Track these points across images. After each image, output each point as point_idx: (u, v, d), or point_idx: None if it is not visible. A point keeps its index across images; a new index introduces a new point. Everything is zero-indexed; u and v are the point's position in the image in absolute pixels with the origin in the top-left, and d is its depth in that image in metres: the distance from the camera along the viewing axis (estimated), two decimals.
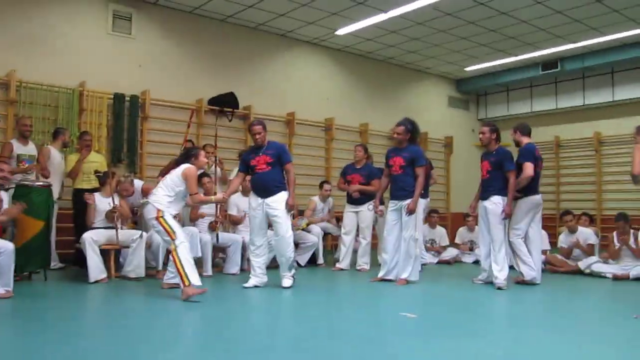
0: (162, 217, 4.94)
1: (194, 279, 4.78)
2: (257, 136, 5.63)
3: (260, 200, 5.61)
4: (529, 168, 5.97)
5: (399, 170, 6.13)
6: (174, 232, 4.90)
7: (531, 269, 6.06)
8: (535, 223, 6.25)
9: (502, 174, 5.97)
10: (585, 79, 11.60)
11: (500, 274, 5.80)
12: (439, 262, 8.39)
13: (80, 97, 7.60)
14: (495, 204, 5.94)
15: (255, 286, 5.65)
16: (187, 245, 4.95)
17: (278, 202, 5.57)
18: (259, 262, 5.74)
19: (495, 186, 5.99)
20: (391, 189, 6.30)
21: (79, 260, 6.59)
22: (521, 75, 11.90)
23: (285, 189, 5.66)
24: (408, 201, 5.99)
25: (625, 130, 11.10)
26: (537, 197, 6.21)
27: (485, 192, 6.10)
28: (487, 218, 6.02)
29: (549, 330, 4.03)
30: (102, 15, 8.12)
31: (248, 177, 6.06)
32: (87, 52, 7.92)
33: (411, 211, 5.96)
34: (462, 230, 9.18)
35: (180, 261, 4.78)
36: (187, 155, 5.31)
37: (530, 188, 6.10)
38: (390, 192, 6.32)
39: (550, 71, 11.38)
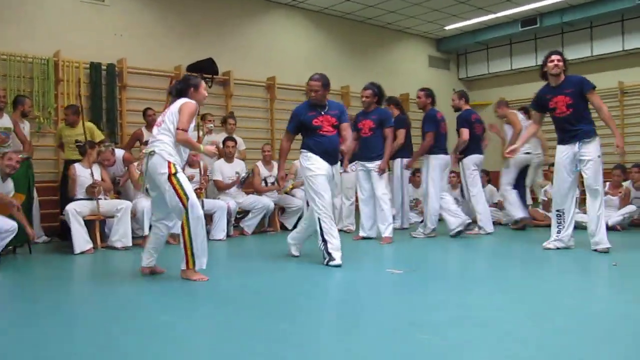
0: (175, 174, 3.98)
1: (201, 262, 4.06)
2: (314, 94, 4.94)
3: (328, 167, 4.93)
4: (465, 133, 6.97)
5: (368, 132, 6.35)
6: (186, 197, 3.97)
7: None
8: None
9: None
10: (564, 35, 11.60)
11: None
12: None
13: (55, 67, 7.44)
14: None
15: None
16: (201, 216, 4.04)
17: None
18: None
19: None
20: (361, 151, 6.44)
21: (63, 232, 6.56)
22: (501, 33, 11.86)
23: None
24: (378, 162, 6.24)
25: (604, 84, 11.19)
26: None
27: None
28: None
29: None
30: None
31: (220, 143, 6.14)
32: (61, 20, 7.73)
33: (382, 170, 6.26)
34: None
35: (190, 236, 3.97)
36: (186, 85, 4.26)
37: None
38: (360, 154, 6.47)
39: (529, 27, 11.35)
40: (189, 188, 4.03)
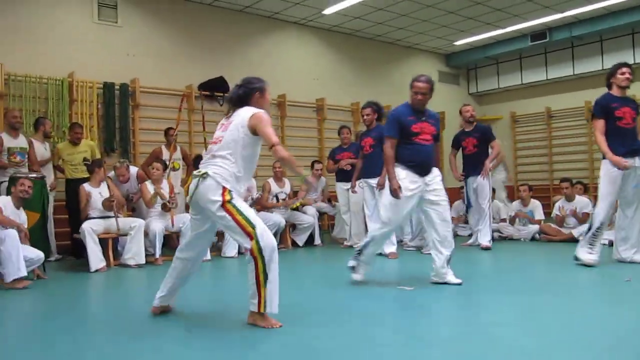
0: (230, 201, 3.22)
1: (274, 305, 3.22)
2: (420, 97, 4.53)
3: (418, 180, 4.42)
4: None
5: (370, 149, 6.48)
6: (252, 225, 3.20)
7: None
8: None
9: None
10: (574, 49, 11.61)
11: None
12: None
13: (69, 88, 7.58)
14: None
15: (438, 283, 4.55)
16: (275, 246, 3.24)
17: (439, 182, 4.51)
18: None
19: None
20: (364, 168, 6.61)
21: (76, 250, 6.63)
22: (510, 47, 11.91)
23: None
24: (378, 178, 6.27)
25: None
26: None
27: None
28: None
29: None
30: (87, 4, 8.06)
31: None
32: (74, 42, 7.88)
33: (381, 186, 6.17)
34: (457, 203, 9.22)
35: (264, 272, 3.17)
36: (249, 90, 3.48)
37: None
38: (364, 171, 6.64)
39: (539, 42, 11.38)
40: (253, 214, 3.28)
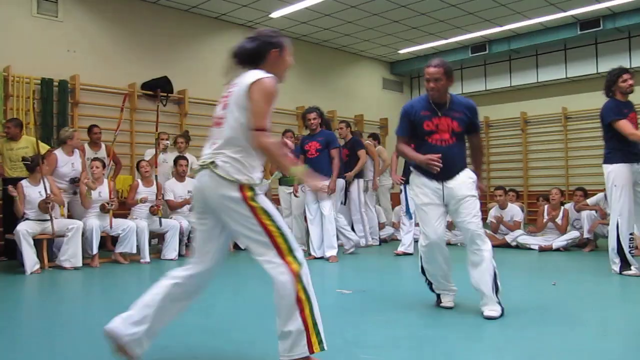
0: (254, 198, 2.42)
1: (322, 338, 2.40)
2: (432, 84, 3.73)
3: (436, 183, 3.69)
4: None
5: (315, 153, 6.58)
6: (284, 237, 2.42)
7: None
8: None
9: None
10: (511, 61, 12.08)
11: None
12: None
13: (4, 82, 7.30)
14: None
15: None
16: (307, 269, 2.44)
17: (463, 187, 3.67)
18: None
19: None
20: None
21: (8, 251, 6.40)
22: (452, 58, 12.23)
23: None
24: (326, 182, 6.27)
25: (549, 110, 11.69)
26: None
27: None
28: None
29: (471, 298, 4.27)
30: None
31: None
32: (11, 35, 7.60)
33: (332, 190, 6.53)
34: (398, 209, 9.42)
35: (310, 307, 2.38)
36: (265, 46, 2.68)
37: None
38: None
39: (479, 54, 11.78)
40: (286, 227, 2.47)
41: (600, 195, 7.33)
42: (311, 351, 2.37)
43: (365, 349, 2.92)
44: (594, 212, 7.21)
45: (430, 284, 3.92)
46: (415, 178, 3.78)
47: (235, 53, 2.69)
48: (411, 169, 3.86)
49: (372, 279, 5.46)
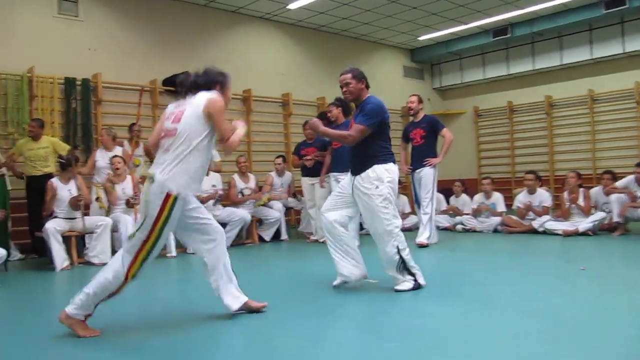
0: (165, 215, 3.06)
1: None
2: (345, 88, 4.29)
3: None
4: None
5: (339, 144, 6.41)
6: (143, 259, 3.16)
7: None
8: None
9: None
10: (534, 44, 11.87)
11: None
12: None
13: (29, 83, 7.42)
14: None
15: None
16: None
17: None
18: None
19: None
20: (334, 163, 6.70)
21: (38, 248, 6.52)
22: (473, 43, 12.10)
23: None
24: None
25: (574, 92, 11.48)
26: None
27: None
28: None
29: (502, 285, 4.23)
30: None
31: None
32: (34, 36, 7.71)
33: None
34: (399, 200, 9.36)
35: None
36: (211, 80, 3.38)
37: None
38: (333, 166, 6.72)
39: (500, 37, 11.60)
40: (158, 248, 3.17)
41: (630, 177, 7.18)
42: None
43: (389, 337, 2.91)
44: (623, 195, 7.07)
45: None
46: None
47: (184, 83, 3.34)
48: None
49: None
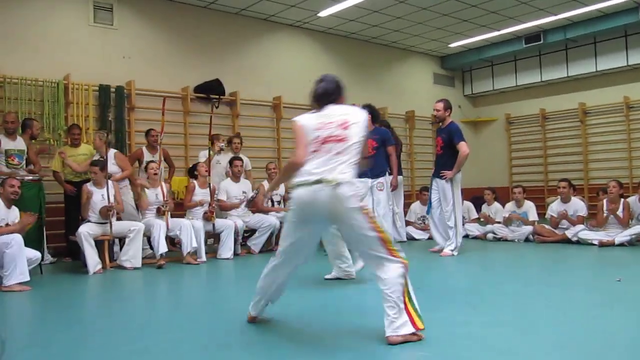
0: (367, 208, 3.04)
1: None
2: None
3: None
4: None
5: (372, 151, 6.34)
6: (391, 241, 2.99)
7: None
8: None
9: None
10: (568, 51, 11.68)
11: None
12: (429, 238, 8.52)
13: (65, 90, 7.59)
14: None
15: None
16: None
17: None
18: None
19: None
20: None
21: (71, 252, 6.64)
22: (505, 50, 11.96)
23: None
24: (381, 179, 6.45)
25: (609, 99, 11.25)
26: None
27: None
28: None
29: (534, 296, 4.14)
30: (82, 7, 8.07)
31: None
32: (70, 44, 7.90)
33: (394, 187, 6.70)
34: (414, 206, 9.27)
35: (410, 294, 2.98)
36: (338, 91, 3.31)
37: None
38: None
39: (533, 44, 11.44)
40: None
41: None
42: (416, 326, 2.90)
43: (421, 345, 2.87)
44: None
45: None
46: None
47: (325, 92, 3.25)
48: None
49: (431, 276, 5.38)
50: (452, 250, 6.44)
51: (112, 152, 6.82)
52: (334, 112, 3.14)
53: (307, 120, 3.16)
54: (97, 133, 6.97)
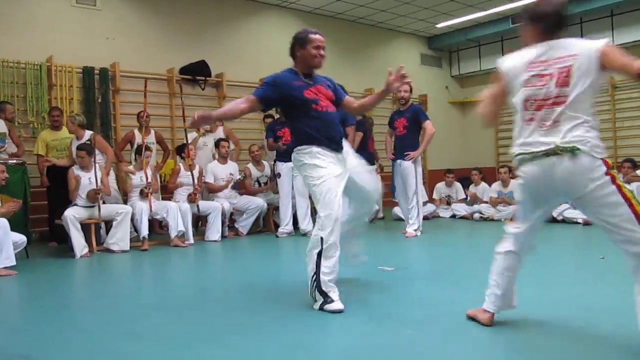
0: (618, 177, 2.41)
1: None
2: (323, 55, 3.55)
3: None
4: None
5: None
6: None
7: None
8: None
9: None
10: None
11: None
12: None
13: (48, 72, 7.49)
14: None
15: None
16: None
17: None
18: None
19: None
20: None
21: (57, 236, 6.60)
22: (492, 30, 11.94)
23: None
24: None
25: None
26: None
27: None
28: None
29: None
30: None
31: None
32: (52, 26, 7.77)
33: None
34: (439, 185, 9.34)
35: None
36: (564, 19, 2.60)
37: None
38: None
39: (520, 24, 11.40)
40: None
41: None
42: None
43: (407, 324, 2.91)
44: None
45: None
46: (314, 148, 3.40)
47: (550, 17, 2.58)
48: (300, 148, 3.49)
49: (412, 256, 5.44)
50: (415, 230, 6.55)
51: (88, 133, 6.69)
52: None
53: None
54: (68, 116, 6.87)
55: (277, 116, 7.51)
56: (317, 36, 3.51)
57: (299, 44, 3.52)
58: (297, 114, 3.49)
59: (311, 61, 3.50)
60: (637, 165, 7.37)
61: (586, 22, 11.44)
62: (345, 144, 3.60)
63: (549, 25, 2.57)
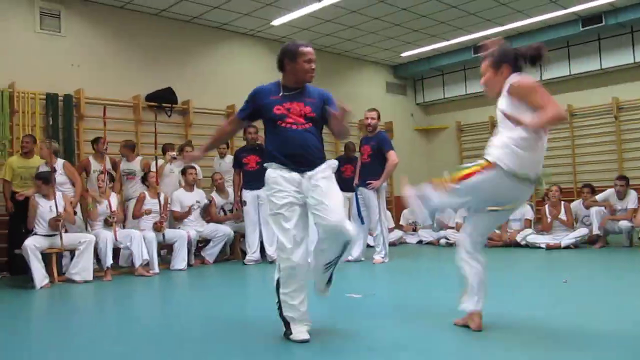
0: None
1: None
2: (314, 69, 3.55)
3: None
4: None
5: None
6: None
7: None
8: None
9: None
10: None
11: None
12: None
13: (10, 99, 7.35)
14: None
15: None
16: None
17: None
18: None
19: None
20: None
21: (12, 267, 6.41)
22: (455, 59, 12.23)
23: None
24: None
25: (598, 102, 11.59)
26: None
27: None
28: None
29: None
30: (28, 13, 7.84)
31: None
32: (15, 52, 7.65)
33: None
34: (406, 212, 9.43)
35: None
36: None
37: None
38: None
39: (482, 54, 11.71)
40: None
41: (610, 191, 7.29)
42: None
43: (374, 351, 2.90)
44: (602, 208, 7.17)
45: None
46: (272, 164, 3.26)
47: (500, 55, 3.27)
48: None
49: (381, 284, 5.45)
50: (382, 257, 6.62)
51: (60, 162, 6.63)
52: None
53: None
54: (42, 142, 6.76)
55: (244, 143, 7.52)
56: (309, 49, 3.41)
57: (288, 57, 3.42)
58: (267, 129, 3.42)
59: (303, 76, 3.42)
60: (596, 191, 7.58)
61: (551, 50, 11.80)
62: (325, 165, 3.29)
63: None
